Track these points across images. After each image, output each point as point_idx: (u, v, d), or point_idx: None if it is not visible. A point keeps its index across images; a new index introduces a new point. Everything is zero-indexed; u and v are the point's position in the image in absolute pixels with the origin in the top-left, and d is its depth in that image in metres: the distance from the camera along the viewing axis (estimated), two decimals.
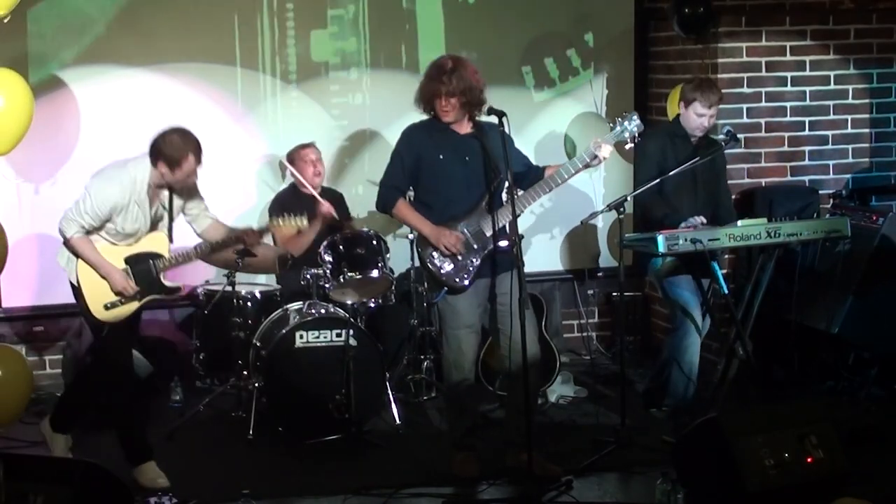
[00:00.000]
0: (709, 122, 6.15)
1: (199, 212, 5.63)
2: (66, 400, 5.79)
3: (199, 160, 5.37)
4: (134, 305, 5.47)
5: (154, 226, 5.49)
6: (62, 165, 6.95)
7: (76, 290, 5.47)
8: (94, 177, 5.42)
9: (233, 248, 5.74)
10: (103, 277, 5.40)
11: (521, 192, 5.48)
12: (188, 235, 5.73)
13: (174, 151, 5.31)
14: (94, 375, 5.74)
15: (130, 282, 5.41)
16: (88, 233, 5.38)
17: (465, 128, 5.50)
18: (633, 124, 5.56)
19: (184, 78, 7.11)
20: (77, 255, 5.41)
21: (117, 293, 5.41)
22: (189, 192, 5.55)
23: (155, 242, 5.48)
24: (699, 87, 6.17)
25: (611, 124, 5.63)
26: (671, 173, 5.90)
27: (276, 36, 7.25)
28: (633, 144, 5.65)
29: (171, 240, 5.52)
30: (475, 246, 5.46)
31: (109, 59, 7.02)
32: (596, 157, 5.46)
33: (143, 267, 5.45)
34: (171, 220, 5.51)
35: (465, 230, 5.45)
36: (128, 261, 5.45)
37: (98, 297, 5.42)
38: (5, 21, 6.04)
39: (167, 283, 5.52)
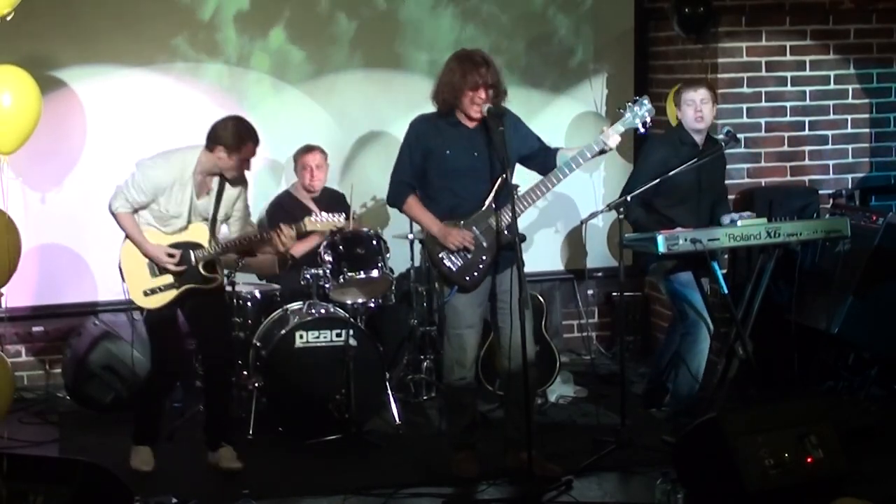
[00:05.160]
0: (702, 108, 6.00)
1: (241, 215, 5.65)
2: (136, 410, 5.77)
3: (255, 151, 5.42)
4: (172, 293, 5.51)
5: (199, 218, 5.51)
6: (69, 170, 6.97)
7: (121, 273, 5.55)
8: (145, 158, 5.49)
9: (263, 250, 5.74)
10: (146, 255, 5.45)
11: (521, 192, 5.40)
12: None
13: (235, 137, 5.36)
14: (153, 379, 5.80)
15: (174, 257, 5.43)
16: (136, 212, 5.44)
17: (474, 121, 5.41)
18: (643, 109, 5.40)
19: (182, 77, 7.12)
20: (122, 230, 5.47)
21: (160, 266, 5.44)
22: (240, 182, 5.56)
23: (196, 233, 5.53)
24: (683, 84, 6.23)
25: (620, 110, 5.47)
26: (671, 173, 5.87)
27: (276, 36, 7.26)
28: (644, 131, 5.47)
29: (213, 235, 5.53)
30: (485, 244, 5.40)
31: (110, 60, 7.02)
32: (604, 149, 5.33)
33: (183, 255, 5.49)
34: (215, 216, 5.52)
35: (475, 227, 5.40)
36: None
37: (138, 283, 5.49)
38: (8, 19, 6.02)
39: (205, 273, 5.54)
